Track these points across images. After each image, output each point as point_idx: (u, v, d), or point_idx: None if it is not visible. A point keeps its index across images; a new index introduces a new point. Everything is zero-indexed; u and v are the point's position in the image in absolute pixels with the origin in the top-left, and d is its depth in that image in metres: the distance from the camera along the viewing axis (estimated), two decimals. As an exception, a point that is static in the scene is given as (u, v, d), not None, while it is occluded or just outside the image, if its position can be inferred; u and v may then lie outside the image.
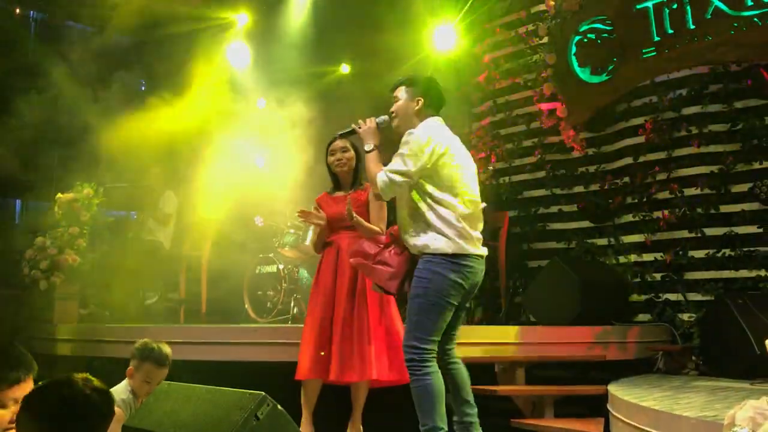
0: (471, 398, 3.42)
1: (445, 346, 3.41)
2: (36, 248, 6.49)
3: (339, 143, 4.20)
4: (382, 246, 3.48)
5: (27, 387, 2.06)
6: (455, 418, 3.39)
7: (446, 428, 3.22)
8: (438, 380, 3.22)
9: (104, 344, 5.62)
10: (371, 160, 3.44)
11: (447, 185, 3.30)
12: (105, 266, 6.99)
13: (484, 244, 3.42)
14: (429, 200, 3.29)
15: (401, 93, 3.53)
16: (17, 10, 8.85)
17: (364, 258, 3.48)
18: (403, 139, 3.34)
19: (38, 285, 6.39)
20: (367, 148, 3.50)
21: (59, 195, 6.75)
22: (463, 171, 3.37)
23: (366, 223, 4.04)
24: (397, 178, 3.27)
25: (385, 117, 3.58)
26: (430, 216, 3.27)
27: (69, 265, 6.38)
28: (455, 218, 3.26)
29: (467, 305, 3.48)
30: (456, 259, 3.23)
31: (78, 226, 6.57)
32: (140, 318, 6.67)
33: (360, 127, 3.56)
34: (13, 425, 2.02)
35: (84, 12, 8.34)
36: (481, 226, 3.42)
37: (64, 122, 7.46)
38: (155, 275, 7.05)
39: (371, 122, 3.54)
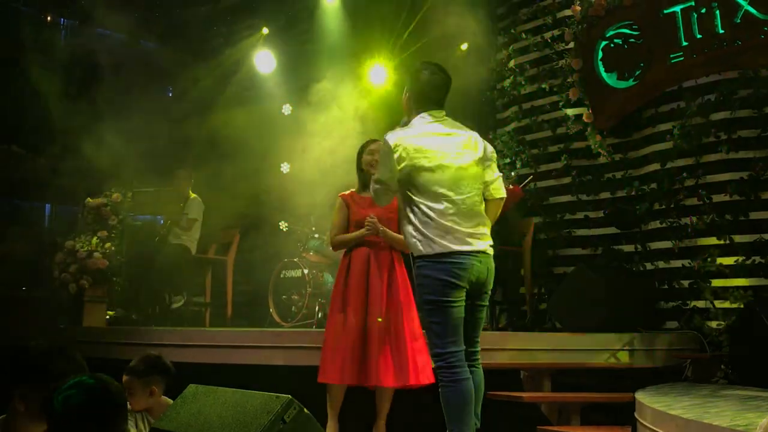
0: (478, 410, 3.28)
1: (466, 348, 3.31)
2: (65, 252, 6.59)
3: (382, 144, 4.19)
4: None
5: None
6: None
7: None
8: (467, 386, 3.17)
9: (131, 347, 5.68)
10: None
11: (424, 187, 3.24)
12: (132, 270, 7.08)
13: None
14: (411, 204, 3.28)
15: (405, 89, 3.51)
16: (48, 18, 9.01)
17: None
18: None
19: (67, 288, 6.49)
20: None
21: (88, 199, 6.85)
22: (443, 171, 3.25)
23: (392, 234, 4.08)
24: (375, 186, 3.35)
25: (405, 119, 3.52)
26: (413, 219, 3.26)
27: (97, 268, 6.47)
28: (437, 216, 3.20)
29: (481, 304, 3.35)
30: (441, 258, 3.18)
31: (106, 230, 6.66)
32: (166, 321, 6.74)
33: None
34: None
35: (113, 19, 8.47)
36: (479, 220, 3.30)
37: (93, 127, 7.57)
38: (181, 279, 7.12)
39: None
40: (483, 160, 3.42)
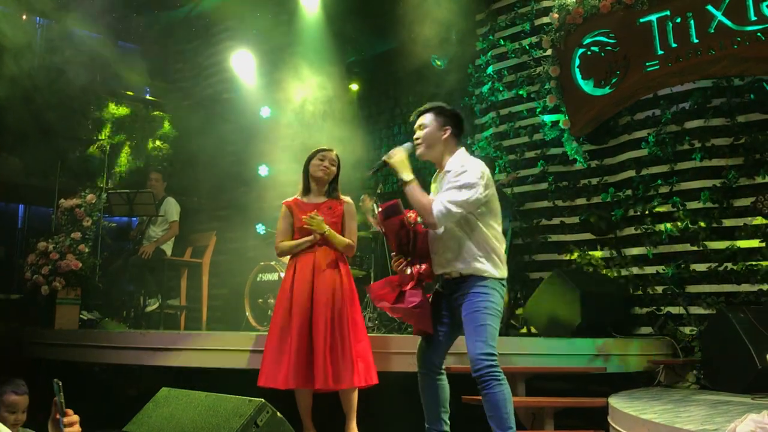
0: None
1: (439, 361, 3.50)
2: (38, 253, 6.50)
3: (334, 154, 4.27)
4: (406, 288, 3.46)
5: None
6: (431, 426, 3.47)
7: None
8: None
9: (105, 350, 5.61)
10: (416, 191, 3.38)
11: (497, 213, 3.47)
12: (106, 272, 7.00)
13: None
14: (487, 229, 3.41)
15: (427, 120, 3.54)
16: (24, 16, 8.90)
17: (391, 302, 3.46)
18: (457, 171, 3.38)
19: (40, 290, 6.40)
20: (406, 178, 3.41)
21: (62, 200, 6.77)
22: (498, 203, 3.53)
23: (338, 236, 4.17)
24: (456, 210, 3.31)
25: (408, 144, 3.55)
26: (487, 244, 3.39)
27: (71, 270, 6.39)
28: (501, 243, 3.46)
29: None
30: (504, 284, 3.43)
31: (80, 232, 6.59)
32: (140, 324, 6.67)
33: (389, 159, 3.49)
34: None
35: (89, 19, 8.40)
36: None
37: (67, 129, 7.50)
38: (156, 282, 7.06)
39: (400, 152, 3.48)
40: None
